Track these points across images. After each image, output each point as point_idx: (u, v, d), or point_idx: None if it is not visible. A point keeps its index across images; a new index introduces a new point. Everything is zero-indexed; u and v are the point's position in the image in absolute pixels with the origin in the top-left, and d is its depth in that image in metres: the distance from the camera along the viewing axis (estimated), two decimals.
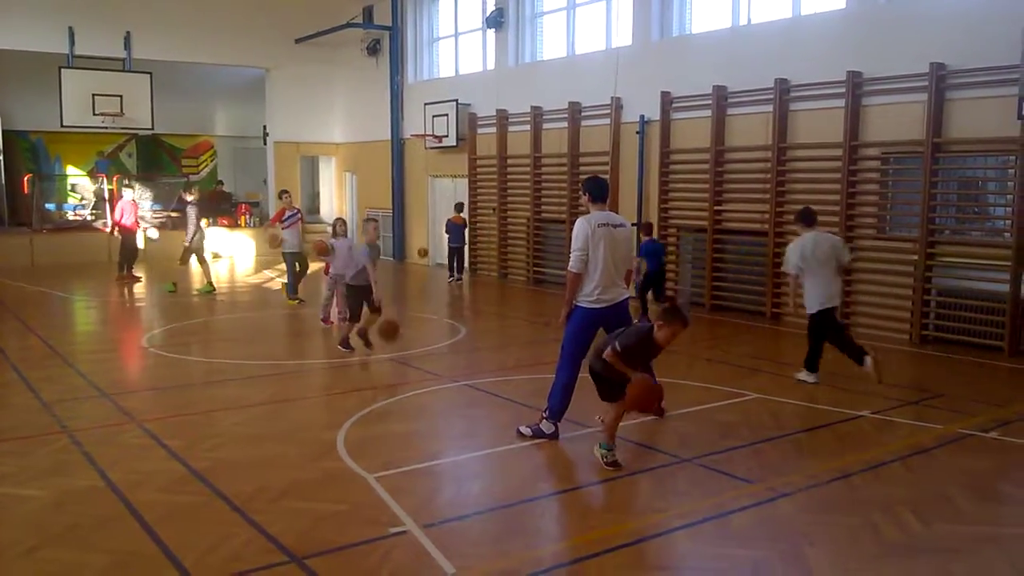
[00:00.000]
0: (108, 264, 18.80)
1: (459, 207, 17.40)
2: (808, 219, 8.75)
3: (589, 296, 6.65)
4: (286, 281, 13.95)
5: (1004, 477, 6.07)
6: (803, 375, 8.66)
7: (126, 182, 20.70)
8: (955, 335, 10.56)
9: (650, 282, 12.27)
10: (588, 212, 6.85)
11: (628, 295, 6.91)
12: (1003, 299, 10.06)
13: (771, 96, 12.34)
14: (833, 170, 11.72)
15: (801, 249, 8.52)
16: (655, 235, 12.86)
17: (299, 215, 13.88)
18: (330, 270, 11.60)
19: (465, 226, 17.43)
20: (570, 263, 6.68)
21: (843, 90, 11.45)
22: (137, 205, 16.78)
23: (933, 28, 10.68)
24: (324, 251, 11.44)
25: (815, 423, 7.17)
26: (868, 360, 8.32)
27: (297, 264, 13.74)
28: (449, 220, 17.39)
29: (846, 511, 5.21)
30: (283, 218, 13.48)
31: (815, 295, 8.48)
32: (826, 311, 8.47)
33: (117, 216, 16.15)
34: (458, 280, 16.97)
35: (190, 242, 15.01)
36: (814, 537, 4.84)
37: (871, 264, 11.51)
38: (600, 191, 6.87)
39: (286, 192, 14.16)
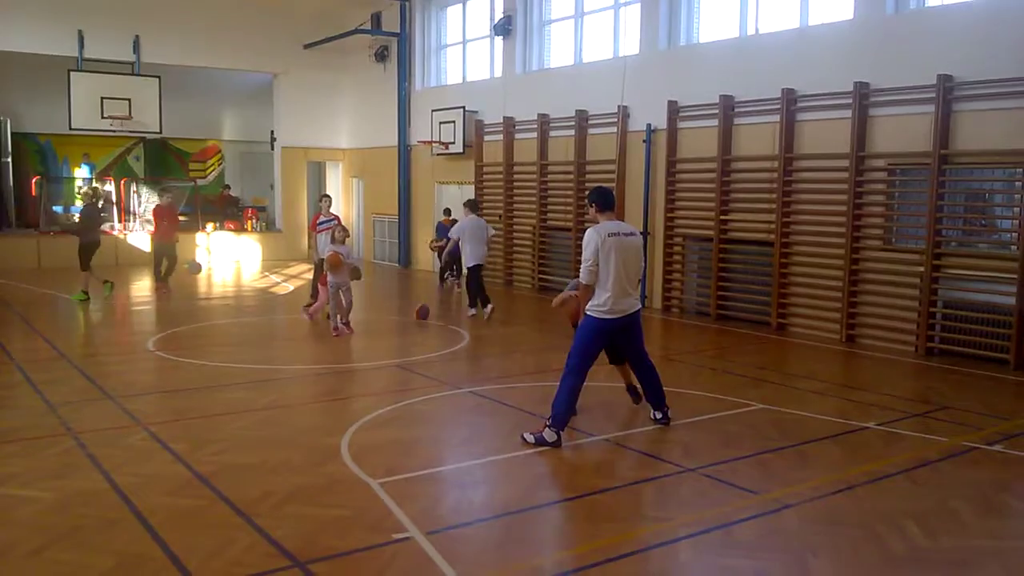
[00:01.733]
0: (115, 267, 18.87)
1: (447, 212, 17.80)
2: (474, 206, 13.90)
3: (602, 307, 6.64)
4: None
5: (1009, 490, 6.05)
6: (472, 311, 13.46)
7: (133, 186, 20.64)
8: (961, 347, 10.53)
9: (453, 259, 16.40)
10: (596, 223, 6.85)
11: (640, 306, 6.91)
12: (1009, 311, 10.04)
13: (778, 106, 12.34)
14: (840, 181, 11.71)
15: (463, 226, 13.37)
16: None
17: (336, 221, 12.87)
18: (329, 279, 11.47)
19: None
20: (580, 275, 6.68)
21: (850, 101, 11.46)
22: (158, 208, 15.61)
23: (941, 40, 10.68)
24: (339, 265, 11.24)
25: (820, 434, 7.16)
26: (489, 308, 13.10)
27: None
28: (439, 223, 17.63)
29: (850, 523, 5.19)
30: (318, 223, 13.12)
31: (472, 256, 13.35)
32: (478, 265, 13.40)
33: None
34: (455, 279, 17.16)
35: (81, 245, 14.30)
36: (818, 548, 4.83)
37: (877, 275, 11.49)
38: (607, 201, 6.88)
39: (326, 196, 13.83)
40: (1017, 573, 4.61)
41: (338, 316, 11.54)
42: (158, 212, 15.41)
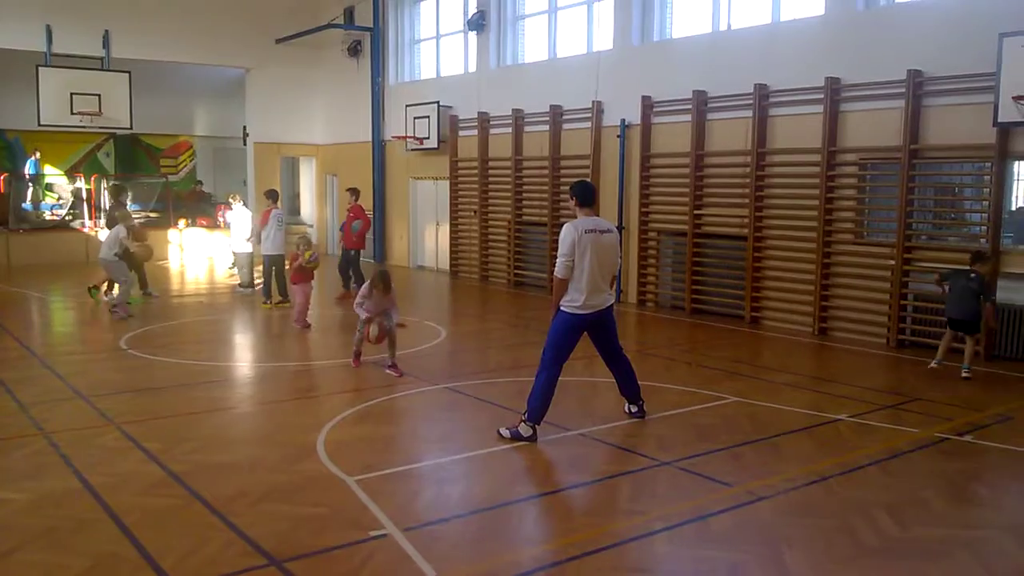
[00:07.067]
0: (86, 264, 18.62)
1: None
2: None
3: (575, 302, 6.67)
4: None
5: (979, 480, 6.14)
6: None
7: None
8: (932, 339, 10.63)
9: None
10: (575, 216, 6.87)
11: (612, 301, 6.95)
12: None
13: (750, 101, 12.42)
14: (812, 175, 11.80)
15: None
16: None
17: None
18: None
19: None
20: (556, 268, 6.71)
21: (822, 96, 11.55)
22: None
23: (911, 35, 10.80)
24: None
25: (793, 426, 7.22)
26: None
27: (275, 267, 13.61)
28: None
29: (824, 514, 5.26)
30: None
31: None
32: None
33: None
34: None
35: None
36: (792, 540, 4.88)
37: (849, 269, 11.61)
38: (588, 196, 6.90)
39: (272, 190, 13.88)
40: (988, 562, 4.68)
41: (362, 346, 9.38)
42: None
